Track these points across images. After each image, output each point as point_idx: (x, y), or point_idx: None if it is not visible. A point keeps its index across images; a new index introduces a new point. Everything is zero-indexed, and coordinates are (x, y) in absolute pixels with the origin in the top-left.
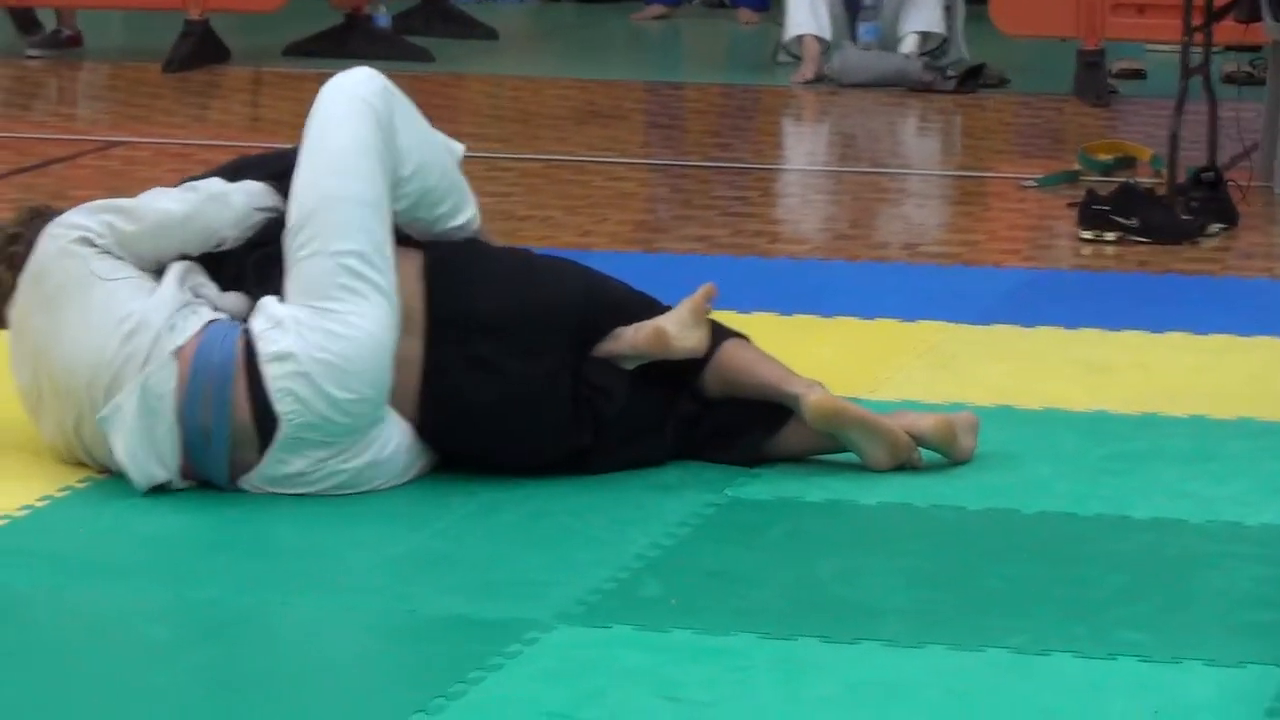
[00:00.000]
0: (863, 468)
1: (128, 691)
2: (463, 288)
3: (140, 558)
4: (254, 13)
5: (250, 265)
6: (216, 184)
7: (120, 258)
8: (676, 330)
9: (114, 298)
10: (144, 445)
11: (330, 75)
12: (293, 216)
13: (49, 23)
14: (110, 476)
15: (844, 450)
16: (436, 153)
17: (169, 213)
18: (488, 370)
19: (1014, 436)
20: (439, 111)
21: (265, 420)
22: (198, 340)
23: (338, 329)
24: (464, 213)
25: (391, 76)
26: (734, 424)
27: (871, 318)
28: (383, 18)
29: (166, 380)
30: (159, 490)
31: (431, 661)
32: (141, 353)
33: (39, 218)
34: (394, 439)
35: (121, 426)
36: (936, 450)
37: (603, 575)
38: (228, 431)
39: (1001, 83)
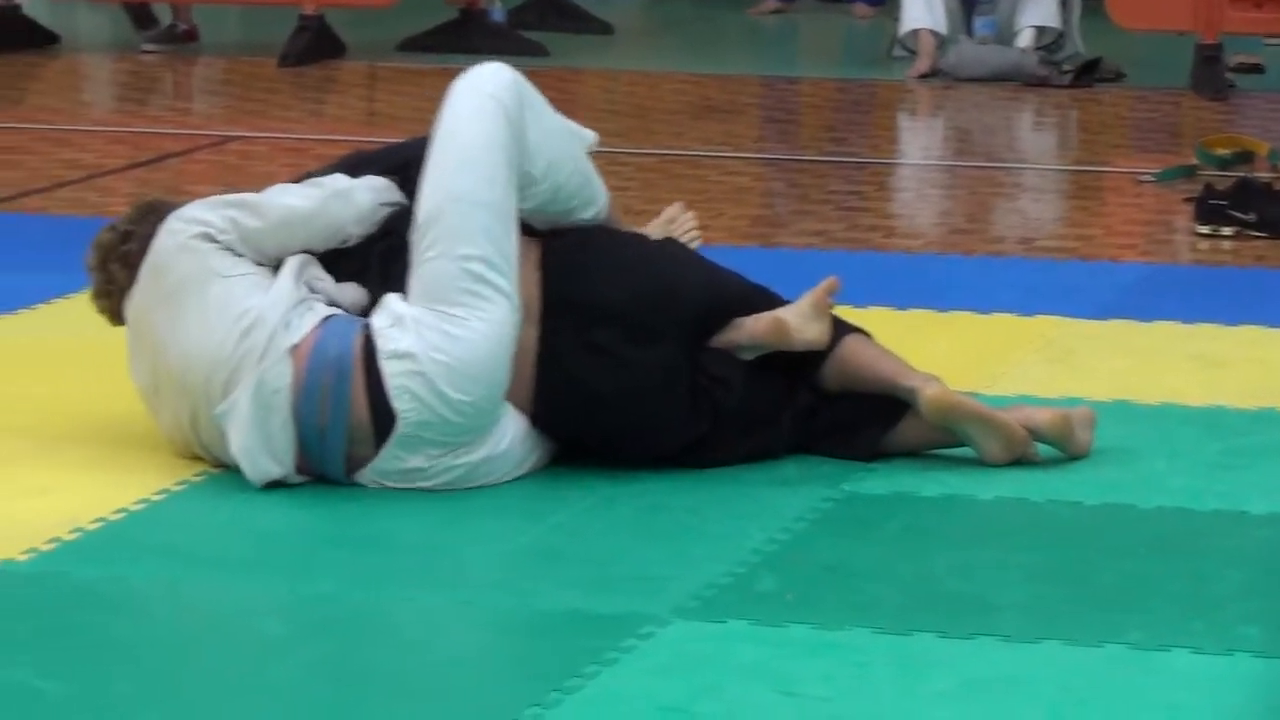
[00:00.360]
0: (979, 462)
1: (243, 686)
2: (581, 276)
3: (256, 552)
4: (369, 7)
5: (375, 257)
6: (340, 180)
7: (240, 254)
8: (797, 321)
9: (231, 294)
10: (259, 441)
11: (446, 70)
12: (420, 214)
13: (165, 17)
14: (226, 471)
15: (960, 445)
16: (568, 147)
17: (294, 209)
18: (605, 358)
19: (1131, 431)
20: (555, 105)
21: (382, 417)
22: (314, 337)
23: (457, 332)
24: (594, 205)
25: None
26: (852, 418)
27: (988, 312)
28: (498, 12)
29: (282, 376)
30: (275, 485)
31: (547, 656)
32: (258, 349)
33: (152, 214)
34: (509, 433)
35: (237, 422)
36: (1053, 445)
37: (719, 570)
38: (344, 428)
39: (1118, 77)
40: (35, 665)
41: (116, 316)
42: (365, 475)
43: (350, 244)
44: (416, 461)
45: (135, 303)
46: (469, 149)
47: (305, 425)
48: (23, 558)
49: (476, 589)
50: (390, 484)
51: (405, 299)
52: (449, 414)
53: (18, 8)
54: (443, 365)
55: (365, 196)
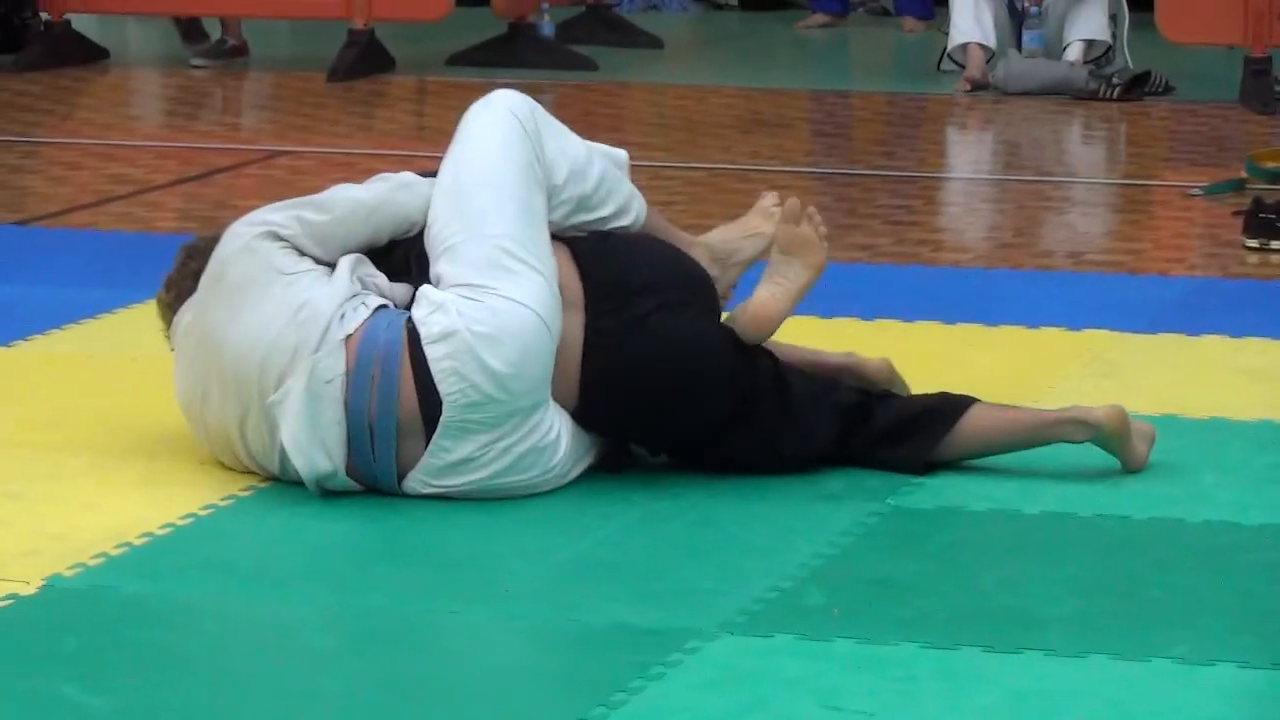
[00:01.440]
0: (1025, 476)
1: (292, 699)
2: (616, 259)
3: (305, 565)
4: (418, 22)
5: (414, 258)
6: (405, 175)
7: (304, 252)
8: (777, 291)
9: (291, 289)
10: (309, 432)
11: (495, 84)
12: (438, 209)
13: (214, 32)
14: (273, 485)
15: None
16: (589, 159)
17: (360, 201)
18: (647, 327)
19: (1179, 446)
20: (603, 120)
21: (429, 404)
22: (364, 328)
23: (493, 303)
24: (628, 214)
25: (556, 85)
26: (903, 425)
27: (1036, 326)
28: (547, 26)
29: (335, 366)
30: (324, 497)
31: (594, 670)
32: (313, 339)
33: (190, 257)
34: (556, 426)
35: (289, 412)
36: (1107, 446)
37: (765, 584)
38: (394, 420)
39: (1167, 90)
40: (83, 680)
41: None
42: (415, 479)
43: (413, 234)
44: (464, 451)
45: (193, 309)
46: (489, 148)
47: (354, 417)
48: (70, 573)
49: (524, 602)
50: (440, 485)
51: (439, 284)
52: (494, 390)
53: (67, 23)
54: (484, 336)
55: (428, 187)
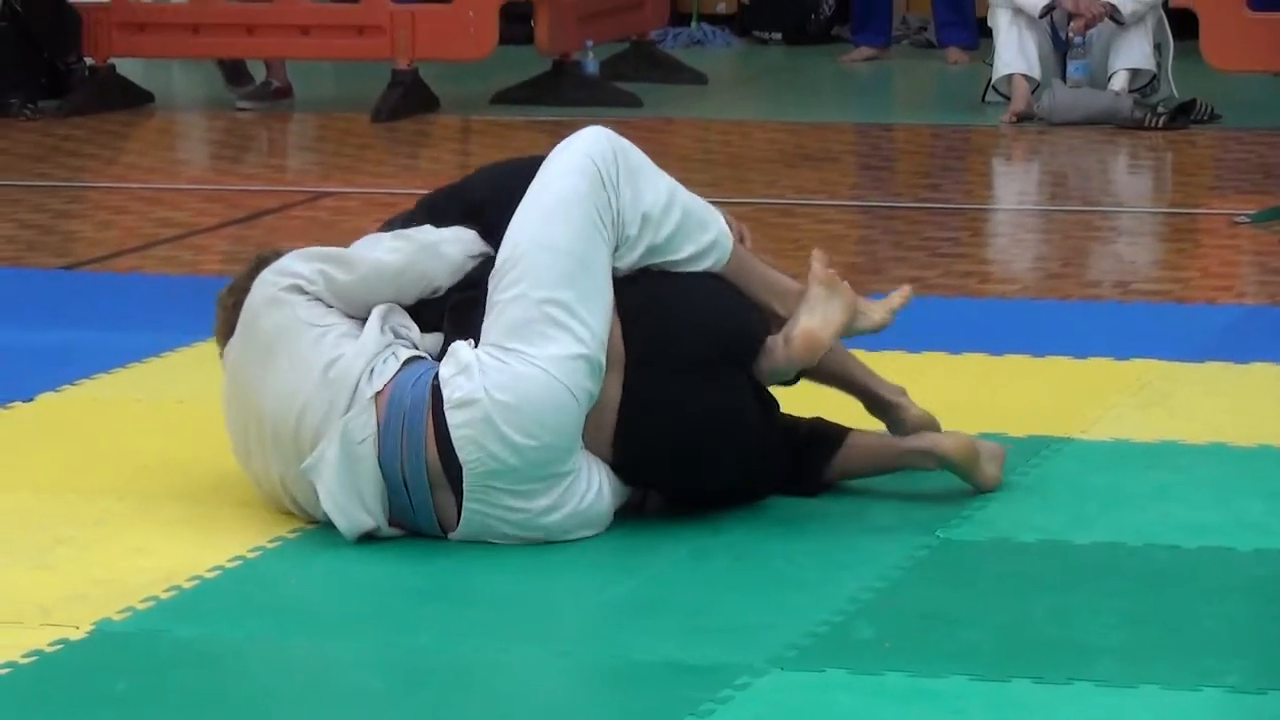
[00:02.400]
0: (1075, 508)
1: None
2: (656, 322)
3: (352, 607)
4: (462, 61)
5: (448, 309)
6: (429, 233)
7: (330, 305)
8: (821, 319)
9: (320, 345)
10: (348, 493)
11: (539, 123)
12: (502, 256)
13: (258, 74)
14: (320, 527)
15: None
16: (669, 205)
17: (384, 263)
18: (687, 406)
19: (1228, 474)
20: (648, 156)
21: (451, 467)
22: (392, 384)
23: (520, 369)
24: (708, 258)
25: (600, 122)
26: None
27: (1084, 357)
28: (591, 64)
29: (365, 426)
30: (369, 539)
31: (644, 707)
32: (344, 399)
33: (260, 266)
34: (594, 488)
35: (325, 475)
36: (958, 474)
37: (815, 619)
38: (425, 477)
39: (1212, 118)
40: None
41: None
42: (458, 534)
43: (439, 295)
44: (496, 513)
45: (233, 355)
46: (557, 201)
47: (389, 472)
48: (119, 617)
49: (573, 641)
50: (484, 538)
51: (478, 342)
52: (514, 460)
53: (112, 67)
54: (505, 406)
55: (454, 250)
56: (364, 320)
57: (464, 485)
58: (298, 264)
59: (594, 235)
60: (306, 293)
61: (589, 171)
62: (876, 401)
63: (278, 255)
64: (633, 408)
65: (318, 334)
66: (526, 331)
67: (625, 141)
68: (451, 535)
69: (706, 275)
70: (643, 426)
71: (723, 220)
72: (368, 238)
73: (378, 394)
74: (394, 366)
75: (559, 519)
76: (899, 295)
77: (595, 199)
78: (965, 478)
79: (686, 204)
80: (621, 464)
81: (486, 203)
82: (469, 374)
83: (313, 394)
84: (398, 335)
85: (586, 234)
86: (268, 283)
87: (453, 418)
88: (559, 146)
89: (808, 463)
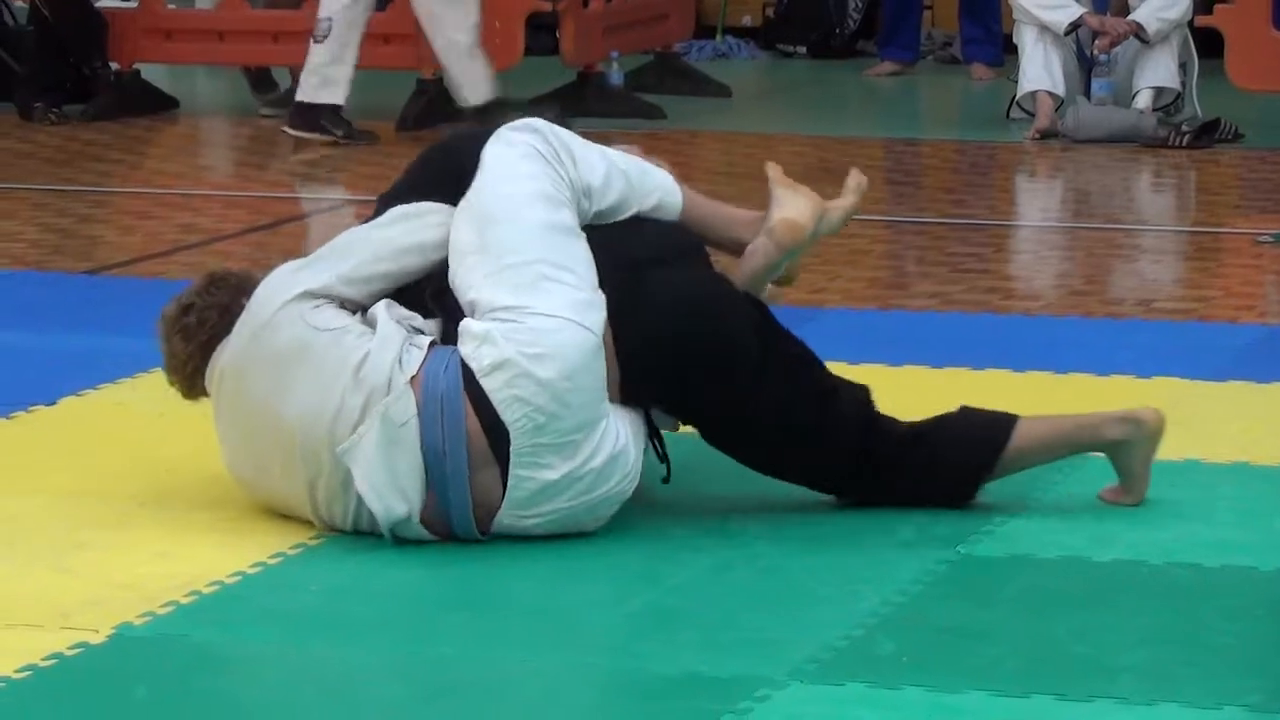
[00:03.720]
0: (1096, 524)
1: None
2: (617, 244)
3: (374, 614)
4: None
5: (430, 296)
6: (405, 207)
7: (340, 303)
8: (796, 208)
9: (340, 347)
10: (385, 476)
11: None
12: (462, 245)
13: (283, 82)
14: (342, 534)
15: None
16: (610, 171)
17: (380, 239)
18: (660, 293)
19: (1250, 493)
20: (672, 168)
21: (497, 437)
22: (423, 370)
23: (536, 323)
24: (660, 213)
25: (625, 134)
26: (943, 458)
27: (1106, 374)
28: (615, 75)
29: (406, 409)
30: (396, 544)
31: (663, 719)
32: (380, 388)
33: (216, 285)
34: (622, 433)
35: (362, 459)
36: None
37: (835, 633)
38: (464, 459)
39: (1236, 137)
40: None
41: (186, 389)
42: (505, 515)
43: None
44: (545, 476)
45: (231, 377)
46: (505, 181)
47: (431, 454)
48: (139, 621)
49: (593, 651)
50: (531, 515)
51: (477, 316)
52: (555, 407)
53: (137, 73)
54: (536, 358)
55: (438, 219)
56: (369, 319)
57: (511, 451)
58: (297, 272)
59: (561, 205)
60: (316, 297)
61: (534, 152)
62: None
63: (232, 274)
64: (620, 324)
65: (333, 337)
66: (525, 291)
67: (550, 124)
68: (497, 520)
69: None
70: (636, 335)
71: (666, 175)
72: (350, 231)
73: (413, 378)
74: (419, 355)
75: (599, 465)
76: (853, 177)
77: (550, 175)
78: (1132, 460)
79: (626, 169)
80: (629, 386)
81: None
82: (491, 342)
83: (346, 396)
84: (404, 328)
85: (553, 205)
86: (271, 298)
87: (489, 383)
88: (488, 145)
89: (952, 482)
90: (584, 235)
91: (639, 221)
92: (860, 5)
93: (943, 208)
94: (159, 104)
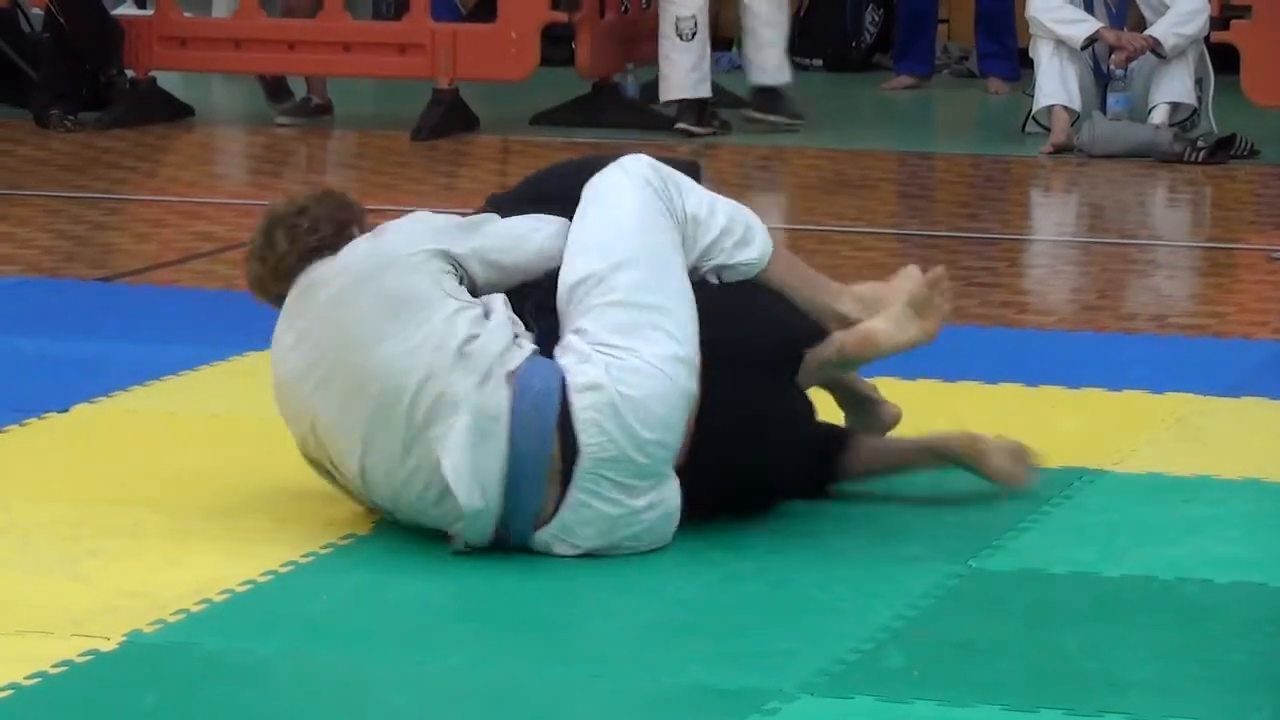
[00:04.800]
0: (1107, 540)
1: None
2: (728, 327)
3: (384, 624)
4: (502, 81)
5: (529, 311)
6: (547, 219)
7: (466, 281)
8: (889, 328)
9: (456, 320)
10: (469, 466)
11: (579, 145)
12: (583, 263)
13: (299, 90)
14: (354, 541)
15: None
16: (714, 205)
17: (523, 234)
18: (755, 410)
19: (1262, 509)
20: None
21: (569, 451)
22: (522, 369)
23: (637, 364)
24: (753, 249)
25: (640, 146)
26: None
27: (1119, 389)
28: (631, 86)
29: (500, 403)
30: (403, 558)
31: None
32: (475, 376)
33: (330, 199)
34: (676, 493)
35: (453, 445)
36: (967, 467)
37: (845, 646)
38: (545, 462)
39: (1252, 153)
40: None
41: (264, 289)
42: (548, 533)
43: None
44: (602, 507)
45: (333, 291)
46: (630, 210)
47: (516, 453)
48: (151, 629)
49: (604, 663)
50: (563, 543)
51: (583, 339)
52: (633, 452)
53: (153, 80)
54: (631, 400)
55: (559, 227)
56: (487, 309)
57: (576, 470)
58: (437, 228)
59: (672, 240)
60: (451, 260)
61: (648, 182)
62: (853, 396)
63: (346, 194)
64: (711, 408)
65: (455, 308)
66: (631, 333)
67: (655, 159)
68: (539, 534)
69: (757, 285)
70: (719, 427)
71: (755, 217)
72: (491, 217)
73: (511, 373)
74: (521, 355)
75: (653, 519)
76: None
77: (661, 206)
78: (979, 473)
79: (724, 205)
80: (692, 464)
81: (553, 197)
82: (592, 363)
83: (442, 366)
84: (517, 328)
85: (666, 239)
86: (409, 239)
87: (579, 400)
88: (607, 173)
89: (827, 462)
90: (687, 276)
91: (769, 305)
92: (876, 19)
93: (957, 222)
94: (174, 112)
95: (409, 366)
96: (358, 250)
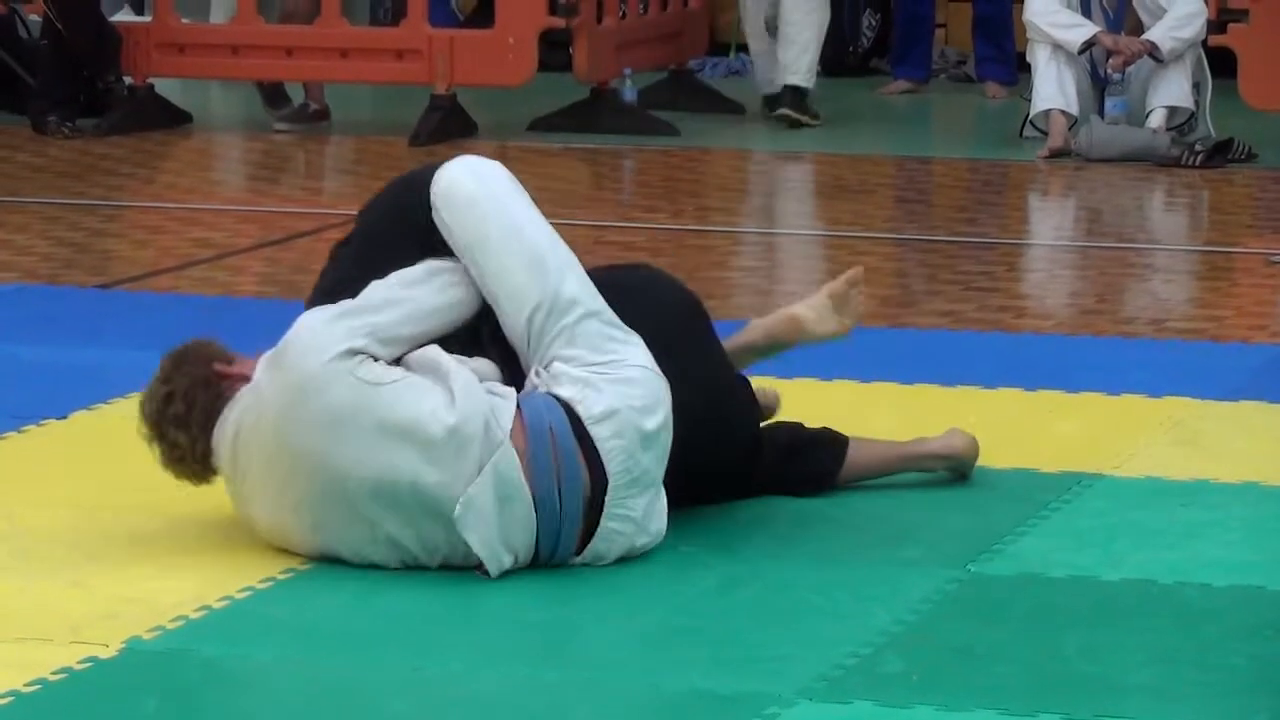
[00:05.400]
0: (1106, 544)
1: None
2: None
3: (382, 630)
4: (500, 87)
5: (488, 336)
6: (427, 265)
7: (379, 360)
8: (813, 316)
9: (404, 398)
10: (497, 532)
11: (576, 150)
12: (527, 298)
13: (296, 96)
14: None
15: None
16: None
17: (417, 301)
18: (686, 377)
19: (1260, 513)
20: (685, 185)
21: (598, 483)
22: (521, 419)
23: (631, 374)
24: None
25: (637, 151)
26: (800, 446)
27: (1117, 393)
28: (629, 91)
29: (513, 463)
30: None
31: None
32: (476, 438)
33: (184, 363)
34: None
35: (475, 518)
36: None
37: (844, 651)
38: (579, 504)
39: (1249, 157)
40: None
41: (198, 476)
42: (580, 560)
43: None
44: (625, 528)
45: (263, 431)
46: (533, 226)
47: (543, 497)
48: (149, 636)
49: (602, 668)
50: (604, 559)
51: (571, 366)
52: (649, 460)
53: (151, 87)
54: (640, 410)
55: (456, 277)
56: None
57: (606, 501)
58: (333, 326)
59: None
60: (357, 354)
61: (504, 175)
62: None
63: (184, 348)
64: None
65: (393, 391)
66: (604, 343)
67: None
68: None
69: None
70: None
71: None
72: (377, 286)
73: (510, 432)
74: (509, 406)
75: (654, 522)
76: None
77: (520, 189)
78: (965, 473)
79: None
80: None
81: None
82: (596, 389)
83: (424, 448)
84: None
85: (547, 224)
86: (308, 354)
87: (599, 431)
88: (452, 178)
89: (819, 462)
90: None
91: (651, 282)
92: (874, 24)
93: (955, 226)
94: (172, 118)
95: (391, 464)
96: (269, 390)
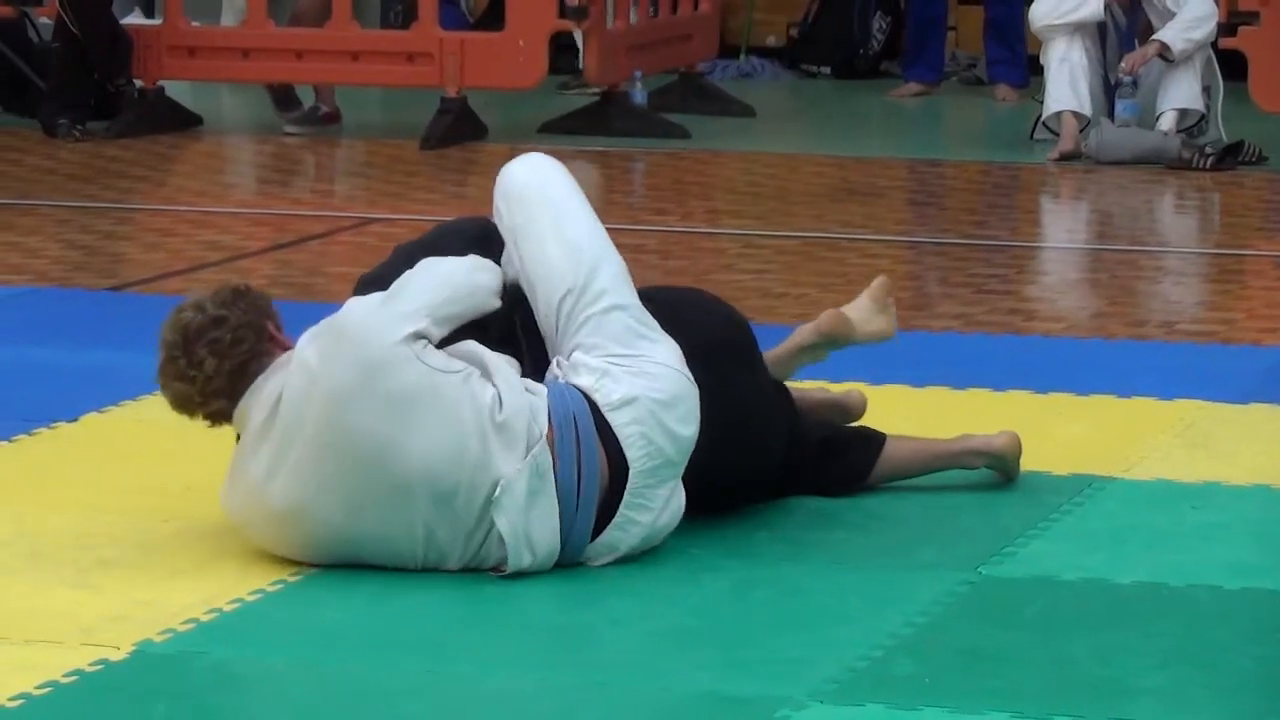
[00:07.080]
0: (1117, 547)
1: None
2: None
3: (393, 633)
4: (511, 90)
5: (521, 328)
6: (466, 258)
7: (439, 347)
8: (860, 316)
9: (467, 389)
10: (523, 526)
11: (587, 152)
12: (560, 283)
13: (307, 99)
14: None
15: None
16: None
17: (468, 285)
18: (726, 388)
19: (1271, 516)
20: (695, 188)
21: (617, 470)
22: (550, 407)
23: (654, 369)
24: None
25: (647, 153)
26: (834, 445)
27: (1127, 396)
28: (639, 94)
29: (548, 460)
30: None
31: None
32: (521, 433)
33: (242, 300)
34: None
35: (512, 507)
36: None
37: (856, 653)
38: (596, 491)
39: (1260, 160)
40: None
41: (191, 407)
42: (595, 549)
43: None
44: (644, 518)
45: (322, 403)
46: (585, 216)
47: (565, 493)
48: (160, 638)
49: (613, 671)
50: (598, 561)
51: (590, 355)
52: (673, 452)
53: (161, 90)
54: (662, 403)
55: (490, 267)
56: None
57: (627, 490)
58: (387, 306)
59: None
60: (420, 337)
61: (559, 169)
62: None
63: (248, 288)
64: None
65: (459, 379)
66: (630, 336)
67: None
68: (586, 552)
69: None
70: (709, 417)
71: None
72: (418, 274)
73: (546, 429)
74: (542, 405)
75: (669, 517)
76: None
77: (576, 185)
78: (1010, 473)
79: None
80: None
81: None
82: (614, 378)
83: (482, 440)
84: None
85: (596, 218)
86: (373, 336)
87: (617, 418)
88: (517, 181)
89: (854, 461)
90: None
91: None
92: (885, 26)
93: (965, 229)
94: (183, 121)
95: (454, 455)
96: (333, 364)
